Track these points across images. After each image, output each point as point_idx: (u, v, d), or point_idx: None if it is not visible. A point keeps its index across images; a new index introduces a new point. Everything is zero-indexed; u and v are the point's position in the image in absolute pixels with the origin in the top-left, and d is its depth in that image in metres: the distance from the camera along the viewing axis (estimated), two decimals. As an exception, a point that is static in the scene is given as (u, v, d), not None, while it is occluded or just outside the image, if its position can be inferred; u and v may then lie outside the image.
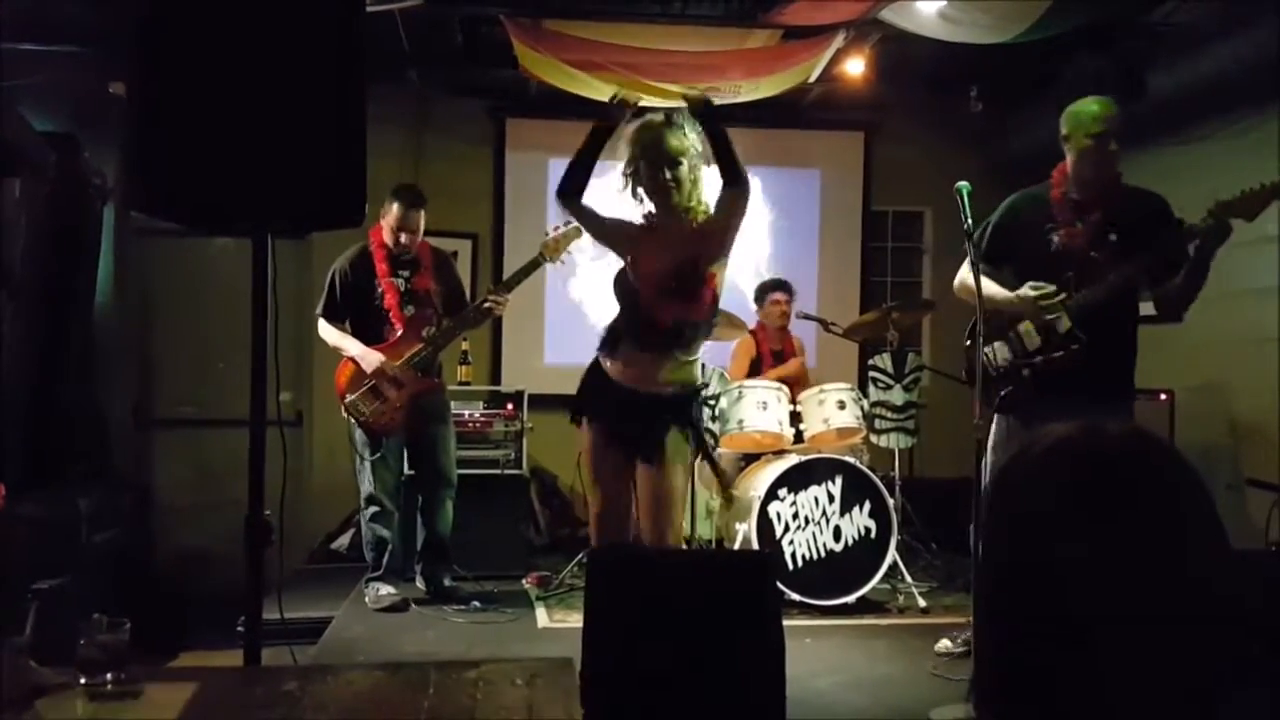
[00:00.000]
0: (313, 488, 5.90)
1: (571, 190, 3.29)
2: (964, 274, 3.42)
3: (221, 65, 2.18)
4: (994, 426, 3.45)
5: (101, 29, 4.64)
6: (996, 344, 3.42)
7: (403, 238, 4.51)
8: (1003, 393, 3.38)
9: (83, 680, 1.64)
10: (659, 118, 3.31)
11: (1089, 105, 3.35)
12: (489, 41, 5.37)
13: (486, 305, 4.51)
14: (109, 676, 1.64)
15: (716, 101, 4.89)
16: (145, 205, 2.34)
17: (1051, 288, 3.26)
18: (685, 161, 3.23)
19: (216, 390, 5.74)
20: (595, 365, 3.33)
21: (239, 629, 3.02)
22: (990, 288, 3.33)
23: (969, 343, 3.52)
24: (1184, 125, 5.02)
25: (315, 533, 5.86)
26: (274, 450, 2.37)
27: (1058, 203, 3.37)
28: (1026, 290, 3.27)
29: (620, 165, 3.33)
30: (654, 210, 3.28)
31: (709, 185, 3.34)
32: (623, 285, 3.31)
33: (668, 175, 3.20)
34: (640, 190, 3.28)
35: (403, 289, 4.55)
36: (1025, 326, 3.36)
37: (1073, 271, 3.27)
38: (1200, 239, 3.12)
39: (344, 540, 5.73)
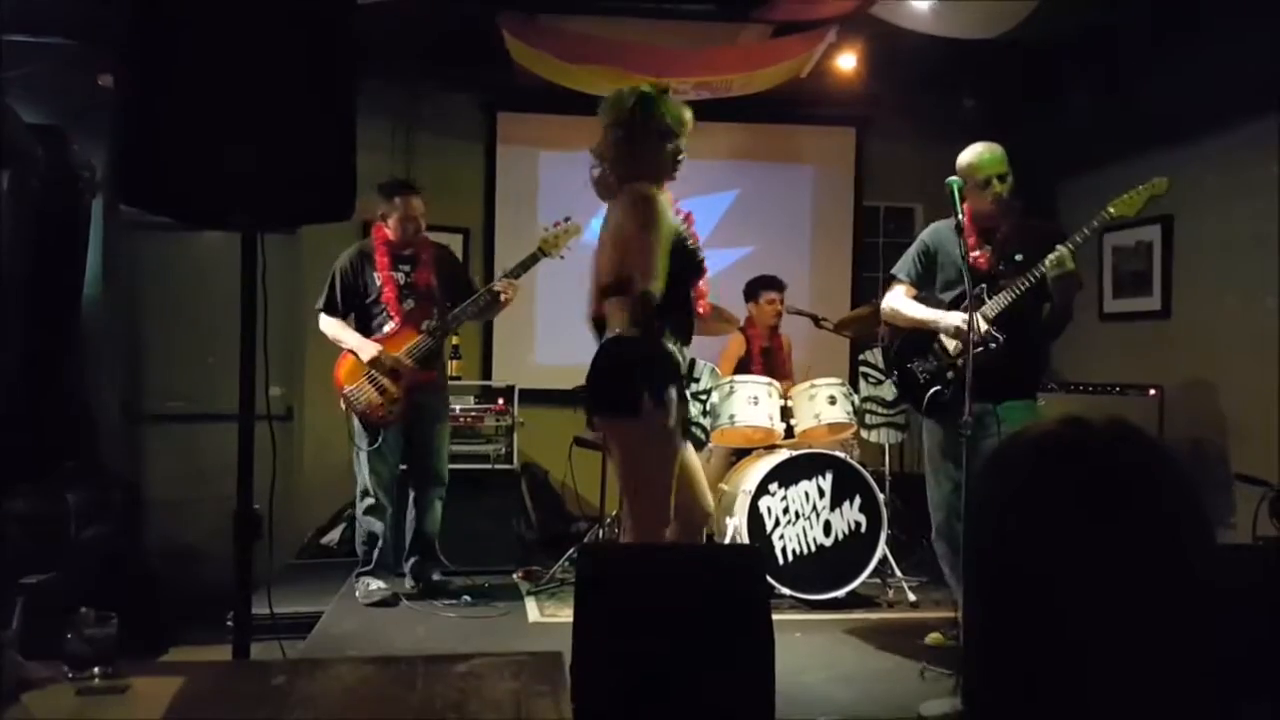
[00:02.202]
0: (302, 483, 5.89)
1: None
2: (890, 301, 3.98)
3: (210, 59, 2.18)
4: (927, 431, 3.93)
5: (90, 21, 4.62)
6: (918, 360, 3.88)
7: (410, 227, 4.55)
8: (929, 394, 3.79)
9: (70, 674, 1.64)
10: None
11: (972, 156, 3.75)
12: (481, 35, 5.35)
13: (497, 290, 4.53)
14: (96, 671, 1.64)
15: (708, 96, 4.89)
16: (134, 199, 2.33)
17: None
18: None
19: (206, 385, 5.72)
20: (663, 351, 3.03)
21: (228, 624, 3.02)
22: (919, 310, 3.87)
23: (898, 364, 4.02)
24: (1176, 125, 5.03)
25: (305, 528, 5.85)
26: (264, 445, 2.36)
27: (969, 227, 3.71)
28: (953, 318, 3.69)
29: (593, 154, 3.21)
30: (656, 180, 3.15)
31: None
32: (687, 258, 3.11)
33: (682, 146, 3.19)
34: (666, 168, 3.16)
35: (402, 283, 4.59)
36: (945, 337, 3.81)
37: (985, 284, 3.70)
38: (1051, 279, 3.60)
39: (334, 535, 5.72)
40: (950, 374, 3.76)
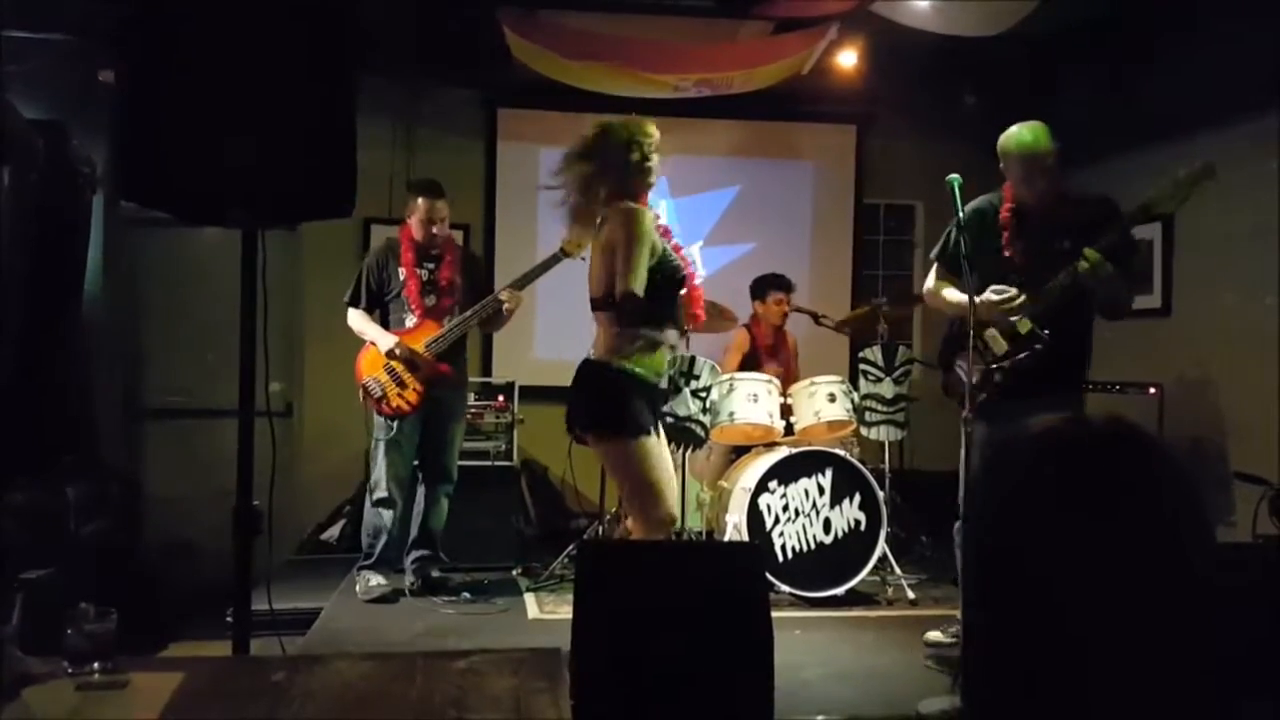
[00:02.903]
0: (302, 479, 5.89)
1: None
2: (929, 284, 3.80)
3: (211, 55, 2.18)
4: (973, 433, 3.56)
5: (90, 16, 4.61)
6: (964, 361, 3.55)
7: (430, 229, 4.61)
8: (980, 399, 3.42)
9: (70, 670, 1.64)
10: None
11: (1018, 135, 3.51)
12: (481, 31, 5.35)
13: (502, 299, 4.57)
14: (96, 666, 1.64)
15: (709, 93, 4.94)
16: (135, 195, 2.33)
17: (1012, 290, 3.42)
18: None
19: (206, 380, 5.72)
20: (628, 372, 3.28)
21: (228, 620, 3.02)
22: (956, 295, 3.58)
23: (945, 361, 3.76)
24: (1176, 121, 5.03)
25: (305, 524, 5.85)
26: (264, 441, 2.36)
27: (1006, 219, 3.56)
28: (988, 295, 3.42)
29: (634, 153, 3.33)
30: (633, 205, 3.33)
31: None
32: (667, 270, 3.32)
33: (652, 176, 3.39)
34: (642, 185, 3.35)
35: (425, 279, 4.66)
36: (990, 333, 3.51)
37: (1025, 279, 3.44)
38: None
39: (334, 531, 5.73)
40: (998, 377, 3.47)
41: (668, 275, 3.30)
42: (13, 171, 4.50)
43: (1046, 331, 3.37)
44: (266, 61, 2.19)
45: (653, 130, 3.35)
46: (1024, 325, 3.42)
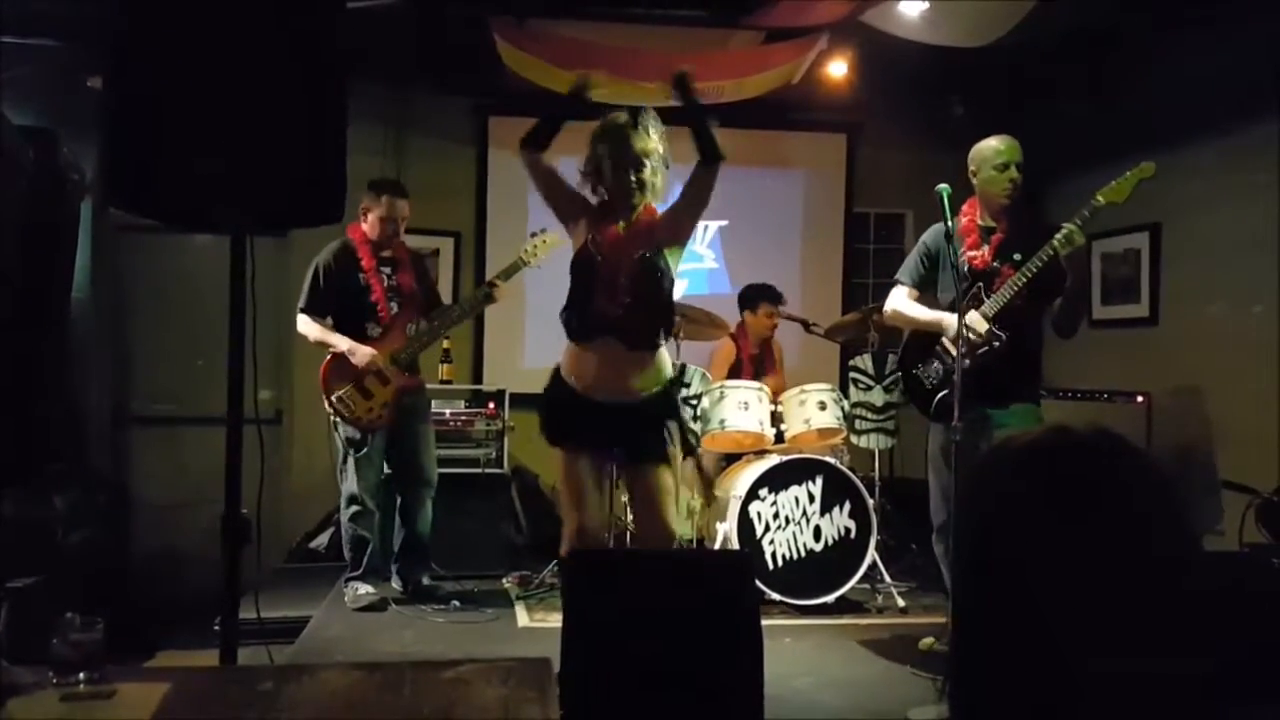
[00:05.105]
0: (291, 487, 5.87)
1: (534, 143, 3.24)
2: (891, 302, 4.00)
3: (200, 61, 2.17)
4: (931, 434, 3.90)
5: (80, 22, 4.60)
6: (925, 364, 3.87)
7: (388, 229, 4.51)
8: (938, 398, 3.73)
9: (55, 680, 1.62)
10: (623, 118, 3.24)
11: (990, 142, 3.79)
12: (473, 40, 5.35)
13: (494, 288, 4.53)
14: (82, 676, 1.62)
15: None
16: (124, 202, 2.32)
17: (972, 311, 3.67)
18: (649, 164, 3.20)
19: (195, 388, 5.70)
20: (559, 380, 3.29)
21: (216, 629, 3.00)
22: (920, 311, 3.88)
23: (902, 369, 4.03)
24: (1163, 131, 5.06)
25: (294, 532, 5.82)
26: (252, 448, 2.35)
27: (967, 229, 3.79)
28: (954, 318, 3.61)
29: (579, 162, 3.29)
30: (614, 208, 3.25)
31: (670, 187, 3.36)
32: (585, 265, 3.22)
33: (632, 178, 3.18)
34: (602, 189, 3.25)
35: (386, 285, 4.55)
36: (948, 340, 3.77)
37: (982, 283, 3.71)
38: (1064, 258, 3.52)
39: (323, 539, 5.70)
40: (955, 377, 3.71)
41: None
42: (2, 178, 4.49)
43: (1005, 333, 3.61)
44: (256, 67, 2.19)
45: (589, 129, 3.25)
46: (981, 325, 3.62)
